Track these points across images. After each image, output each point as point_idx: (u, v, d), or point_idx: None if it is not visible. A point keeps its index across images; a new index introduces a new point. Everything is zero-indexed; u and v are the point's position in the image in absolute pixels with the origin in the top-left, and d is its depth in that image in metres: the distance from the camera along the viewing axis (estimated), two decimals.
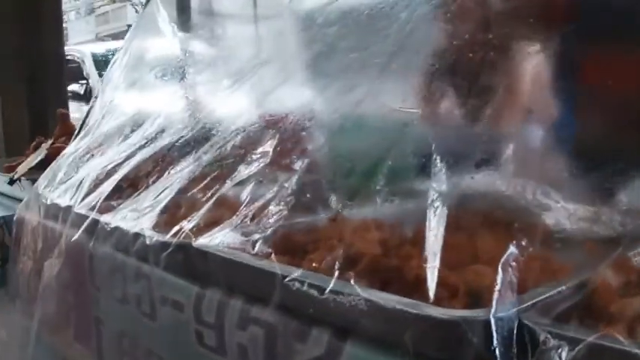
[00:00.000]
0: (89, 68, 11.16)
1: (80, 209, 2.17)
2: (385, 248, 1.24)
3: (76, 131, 3.16)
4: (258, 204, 1.50)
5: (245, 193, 1.57)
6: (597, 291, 1.03)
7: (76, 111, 6.88)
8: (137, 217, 1.82)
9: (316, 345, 1.16)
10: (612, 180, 1.33)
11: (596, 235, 1.27)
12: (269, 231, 1.38)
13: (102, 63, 10.63)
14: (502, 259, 1.06)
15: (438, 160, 1.32)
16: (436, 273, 1.08)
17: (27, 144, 3.97)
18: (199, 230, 1.56)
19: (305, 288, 1.18)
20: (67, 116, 3.89)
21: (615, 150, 1.39)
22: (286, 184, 1.48)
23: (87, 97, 9.89)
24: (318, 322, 1.16)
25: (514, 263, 1.06)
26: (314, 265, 1.23)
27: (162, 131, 2.25)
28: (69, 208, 2.25)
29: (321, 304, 1.13)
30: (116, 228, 1.86)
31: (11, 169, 3.49)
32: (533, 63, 1.53)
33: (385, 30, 1.69)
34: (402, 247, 1.25)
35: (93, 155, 2.60)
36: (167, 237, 1.61)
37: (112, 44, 12.58)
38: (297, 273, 1.21)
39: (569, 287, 1.03)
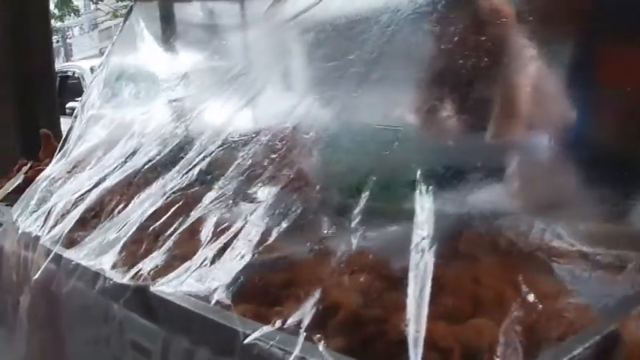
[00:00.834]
0: (87, 84, 11.03)
1: (46, 241, 2.01)
2: (366, 296, 1.04)
3: (56, 152, 2.99)
4: (221, 239, 1.31)
5: (208, 228, 1.39)
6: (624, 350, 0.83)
7: None
8: (99, 254, 1.66)
9: None
10: (623, 196, 1.14)
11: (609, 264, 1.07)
12: (230, 276, 1.18)
13: None
14: (507, 317, 0.86)
15: (429, 180, 1.12)
16: (423, 334, 0.87)
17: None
18: (160, 271, 1.39)
19: (269, 350, 0.97)
20: (49, 137, 3.70)
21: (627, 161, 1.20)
22: (252, 217, 1.28)
23: None
24: None
25: (518, 324, 0.86)
26: (280, 320, 1.02)
27: (133, 154, 2.08)
28: (37, 238, 2.10)
29: None
30: (78, 265, 1.71)
31: None
32: (534, 68, 1.33)
33: (367, 37, 1.49)
34: (387, 292, 1.04)
35: (65, 180, 2.42)
36: (125, 279, 1.44)
37: None
38: (259, 332, 1.01)
39: (589, 346, 0.83)
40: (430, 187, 1.08)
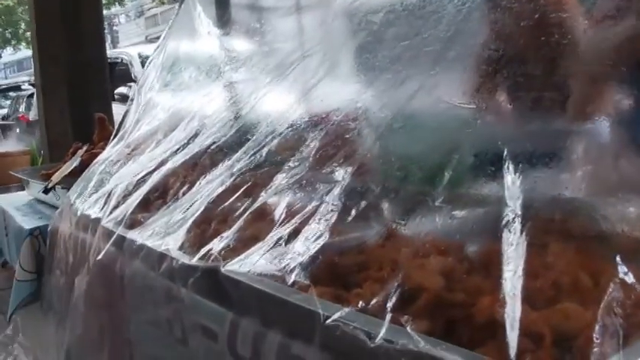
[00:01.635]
0: (137, 70, 11.12)
1: (108, 223, 2.00)
2: (449, 279, 1.01)
3: (112, 136, 3.00)
4: (295, 220, 1.28)
5: (281, 208, 1.35)
6: None
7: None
8: (164, 234, 1.63)
9: None
10: None
11: None
12: (307, 256, 1.15)
13: None
14: (604, 299, 0.82)
15: (511, 164, 1.08)
16: (518, 317, 0.83)
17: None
18: (230, 252, 1.36)
19: (351, 332, 0.95)
20: (104, 120, 3.73)
21: None
22: (327, 197, 1.25)
23: None
24: None
25: (618, 304, 0.82)
26: (361, 302, 0.99)
27: (195, 136, 2.06)
28: (97, 220, 2.09)
29: (372, 354, 0.90)
30: (143, 246, 1.69)
31: (47, 176, 3.35)
32: (617, 45, 1.28)
33: (438, 14, 1.45)
34: (470, 277, 1.01)
35: (124, 163, 2.42)
36: (194, 260, 1.41)
37: None
38: (340, 313, 0.98)
39: None
40: (518, 167, 1.05)
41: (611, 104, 1.25)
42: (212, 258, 1.36)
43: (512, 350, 0.81)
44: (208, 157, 1.84)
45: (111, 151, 2.69)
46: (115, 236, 1.87)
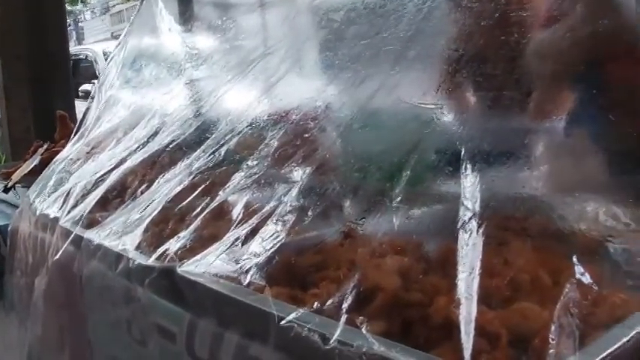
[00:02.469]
0: (101, 67, 11.03)
1: (66, 222, 1.97)
2: (406, 279, 1.00)
3: (72, 134, 2.96)
4: (253, 220, 1.27)
5: (239, 208, 1.34)
6: None
7: None
8: (122, 234, 1.61)
9: None
10: None
11: None
12: (264, 257, 1.14)
13: None
14: (560, 299, 0.82)
15: (469, 163, 1.08)
16: (473, 317, 0.83)
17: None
18: (187, 251, 1.34)
19: (306, 333, 0.93)
20: (65, 118, 3.67)
21: None
22: (286, 198, 1.24)
23: None
24: None
25: (575, 305, 0.82)
26: (317, 303, 0.98)
27: (155, 134, 2.03)
28: (56, 220, 2.05)
29: (326, 356, 0.89)
30: (100, 246, 1.66)
31: (7, 175, 3.29)
32: (580, 44, 1.28)
33: (399, 13, 1.44)
34: (427, 277, 1.00)
35: (84, 161, 2.39)
36: (151, 260, 1.39)
37: None
38: (295, 314, 0.97)
39: None
40: (476, 166, 1.04)
41: (569, 103, 1.26)
42: (168, 258, 1.35)
43: (467, 351, 0.80)
44: (167, 156, 1.82)
45: (71, 149, 2.65)
46: (72, 236, 1.85)
